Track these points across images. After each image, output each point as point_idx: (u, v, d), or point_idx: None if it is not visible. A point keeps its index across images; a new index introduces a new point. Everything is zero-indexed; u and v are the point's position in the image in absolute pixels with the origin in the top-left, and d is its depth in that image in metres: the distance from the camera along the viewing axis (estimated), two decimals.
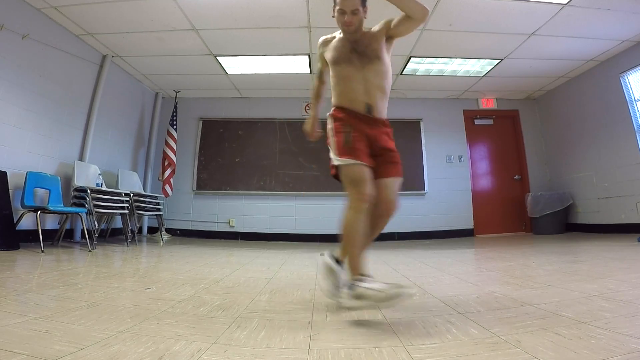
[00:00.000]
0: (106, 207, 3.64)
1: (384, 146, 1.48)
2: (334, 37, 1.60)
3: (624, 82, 4.28)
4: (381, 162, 1.47)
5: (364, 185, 1.37)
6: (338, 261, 1.47)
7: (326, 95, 1.80)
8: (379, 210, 1.45)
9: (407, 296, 1.18)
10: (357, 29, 1.51)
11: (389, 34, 1.54)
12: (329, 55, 1.57)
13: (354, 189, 1.37)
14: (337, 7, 1.47)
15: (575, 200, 5.02)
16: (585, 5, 3.35)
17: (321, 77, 1.78)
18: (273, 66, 4.76)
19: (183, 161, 5.53)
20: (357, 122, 1.46)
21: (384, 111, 1.51)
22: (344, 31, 1.52)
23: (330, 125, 1.52)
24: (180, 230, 5.42)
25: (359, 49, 1.50)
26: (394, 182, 1.49)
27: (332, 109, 1.56)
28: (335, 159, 1.44)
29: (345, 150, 1.41)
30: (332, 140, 1.49)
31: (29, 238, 3.24)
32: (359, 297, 1.21)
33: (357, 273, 1.30)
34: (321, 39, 1.65)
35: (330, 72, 1.57)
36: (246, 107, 5.83)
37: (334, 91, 1.55)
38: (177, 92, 5.57)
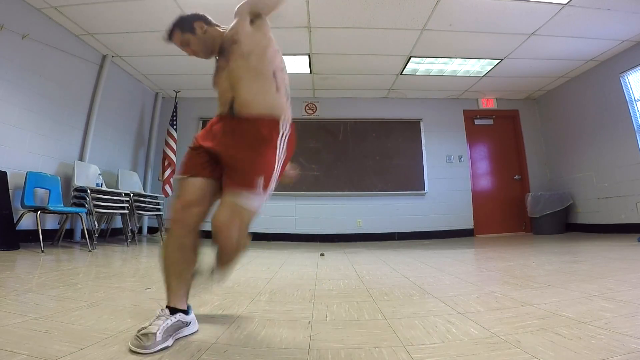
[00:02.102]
0: (106, 207, 3.64)
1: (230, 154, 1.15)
2: None
3: (624, 82, 4.28)
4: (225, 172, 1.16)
5: (178, 199, 1.14)
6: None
7: None
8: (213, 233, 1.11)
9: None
10: (208, 51, 1.37)
11: (254, 13, 1.30)
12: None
13: (171, 206, 1.15)
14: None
15: (575, 200, 5.02)
16: (585, 5, 3.35)
17: None
18: None
19: None
20: (209, 129, 1.23)
21: (253, 102, 1.17)
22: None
23: None
24: None
25: (224, 53, 1.29)
26: (228, 198, 1.10)
27: None
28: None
29: (180, 167, 1.21)
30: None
31: (29, 238, 3.24)
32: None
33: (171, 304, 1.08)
34: None
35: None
36: None
37: None
38: (177, 92, 5.57)
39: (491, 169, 5.82)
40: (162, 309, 1.05)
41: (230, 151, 1.14)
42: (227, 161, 1.14)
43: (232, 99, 1.19)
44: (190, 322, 1.09)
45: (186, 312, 1.08)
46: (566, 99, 5.27)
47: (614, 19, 3.57)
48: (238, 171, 1.12)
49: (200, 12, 1.39)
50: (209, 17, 1.39)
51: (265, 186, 1.12)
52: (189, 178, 1.15)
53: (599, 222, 4.62)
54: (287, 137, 1.20)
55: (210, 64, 1.45)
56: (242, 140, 1.14)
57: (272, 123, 1.17)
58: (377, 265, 2.60)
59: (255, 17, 1.30)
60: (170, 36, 1.37)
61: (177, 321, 1.03)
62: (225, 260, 1.17)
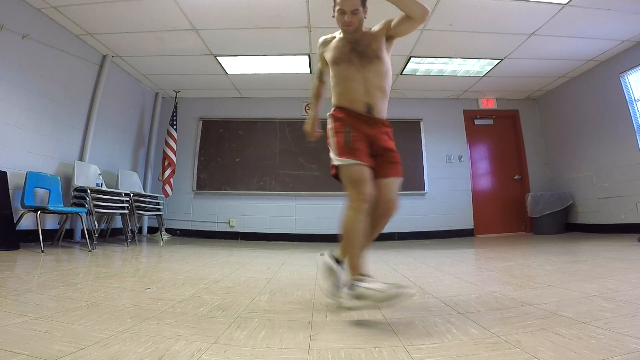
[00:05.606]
0: (106, 207, 3.64)
1: (384, 146, 1.49)
2: (334, 37, 1.61)
3: (624, 82, 4.28)
4: (381, 162, 1.48)
5: (363, 185, 1.37)
6: (338, 261, 1.48)
7: (326, 96, 1.81)
8: (379, 210, 1.45)
9: (407, 296, 1.19)
10: (356, 29, 1.51)
11: (389, 34, 1.53)
12: (329, 55, 1.58)
13: (354, 189, 1.38)
14: (337, 7, 1.47)
15: (575, 200, 5.02)
16: (585, 5, 3.35)
17: (321, 77, 1.80)
18: (273, 66, 4.76)
19: (183, 161, 5.53)
20: (356, 122, 1.46)
21: (383, 111, 1.52)
22: (343, 31, 1.53)
23: (330, 125, 1.53)
24: (180, 230, 5.42)
25: (358, 49, 1.50)
26: (394, 182, 1.50)
27: (332, 109, 1.56)
28: (336, 159, 1.45)
29: (345, 150, 1.42)
30: (332, 140, 1.50)
31: (29, 238, 3.24)
32: (359, 297, 1.22)
33: (357, 273, 1.31)
34: (321, 38, 1.66)
35: (330, 72, 1.57)
36: (246, 107, 5.83)
37: (334, 91, 1.56)
38: (177, 92, 5.57)
39: (491, 169, 5.81)
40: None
41: (389, 144, 1.51)
42: (383, 152, 1.48)
43: (368, 104, 1.47)
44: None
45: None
46: (566, 99, 5.27)
47: (614, 19, 3.57)
48: (396, 163, 1.50)
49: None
50: None
51: None
52: (366, 167, 1.40)
53: (599, 222, 4.61)
54: None
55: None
56: (390, 138, 1.53)
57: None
58: (377, 265, 2.60)
59: (390, 37, 1.55)
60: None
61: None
62: (380, 230, 1.51)
